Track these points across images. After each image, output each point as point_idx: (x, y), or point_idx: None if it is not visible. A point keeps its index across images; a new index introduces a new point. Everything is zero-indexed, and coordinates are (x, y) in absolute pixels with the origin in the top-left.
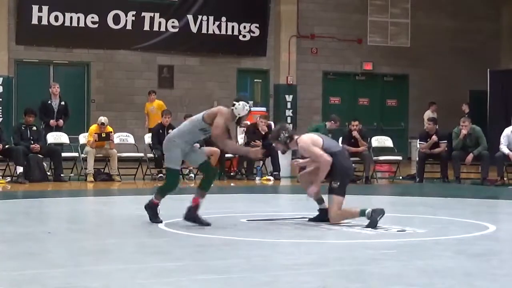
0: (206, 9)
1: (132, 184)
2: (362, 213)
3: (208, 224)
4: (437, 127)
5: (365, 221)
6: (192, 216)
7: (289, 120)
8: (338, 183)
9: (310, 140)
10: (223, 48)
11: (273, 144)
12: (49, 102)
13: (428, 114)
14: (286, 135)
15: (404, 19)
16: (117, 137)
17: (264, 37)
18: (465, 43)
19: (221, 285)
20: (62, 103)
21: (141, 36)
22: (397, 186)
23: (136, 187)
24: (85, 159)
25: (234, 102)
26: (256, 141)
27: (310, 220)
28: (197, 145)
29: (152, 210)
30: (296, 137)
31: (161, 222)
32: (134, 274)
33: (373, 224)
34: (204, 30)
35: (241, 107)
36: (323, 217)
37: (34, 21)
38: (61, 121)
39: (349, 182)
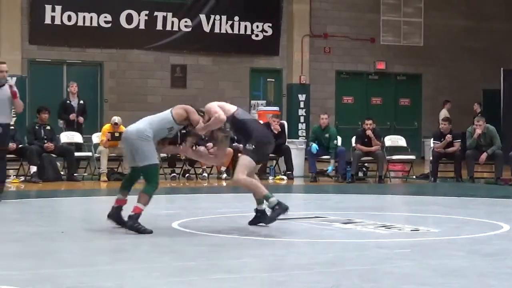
0: (218, 9)
1: None
2: (267, 198)
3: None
4: (451, 126)
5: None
6: (116, 216)
7: (302, 119)
8: (253, 146)
9: (217, 103)
10: (236, 47)
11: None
12: (68, 101)
13: (444, 112)
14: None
15: (417, 18)
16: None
17: (277, 37)
18: (478, 42)
19: (235, 285)
20: (81, 102)
21: (154, 35)
22: (411, 185)
23: None
24: (98, 159)
25: None
26: None
27: (250, 223)
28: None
29: (136, 220)
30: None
31: (151, 232)
32: (148, 273)
33: (270, 221)
34: (217, 30)
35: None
36: (260, 219)
37: (47, 20)
38: (81, 118)
39: (266, 156)
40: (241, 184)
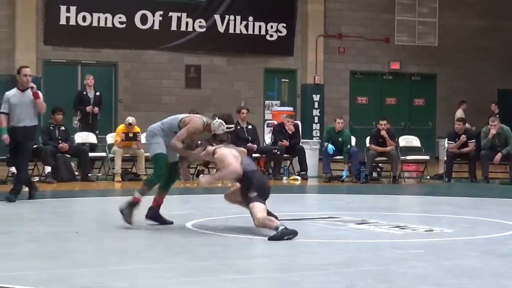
0: (233, 9)
1: None
2: (277, 228)
3: (171, 222)
4: (465, 126)
5: None
6: (154, 215)
7: (316, 120)
8: (256, 193)
9: (230, 152)
10: (250, 47)
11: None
12: (85, 92)
13: (459, 113)
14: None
15: (432, 18)
16: (144, 137)
17: (291, 37)
18: (493, 42)
19: (247, 285)
20: (97, 93)
21: (168, 36)
22: (425, 185)
23: None
24: (112, 159)
25: (215, 117)
26: (283, 140)
27: None
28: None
29: (131, 207)
30: (213, 147)
31: (131, 223)
32: (161, 273)
33: (274, 238)
34: (231, 30)
35: (217, 126)
36: None
37: (62, 21)
38: (96, 108)
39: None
40: (260, 223)
